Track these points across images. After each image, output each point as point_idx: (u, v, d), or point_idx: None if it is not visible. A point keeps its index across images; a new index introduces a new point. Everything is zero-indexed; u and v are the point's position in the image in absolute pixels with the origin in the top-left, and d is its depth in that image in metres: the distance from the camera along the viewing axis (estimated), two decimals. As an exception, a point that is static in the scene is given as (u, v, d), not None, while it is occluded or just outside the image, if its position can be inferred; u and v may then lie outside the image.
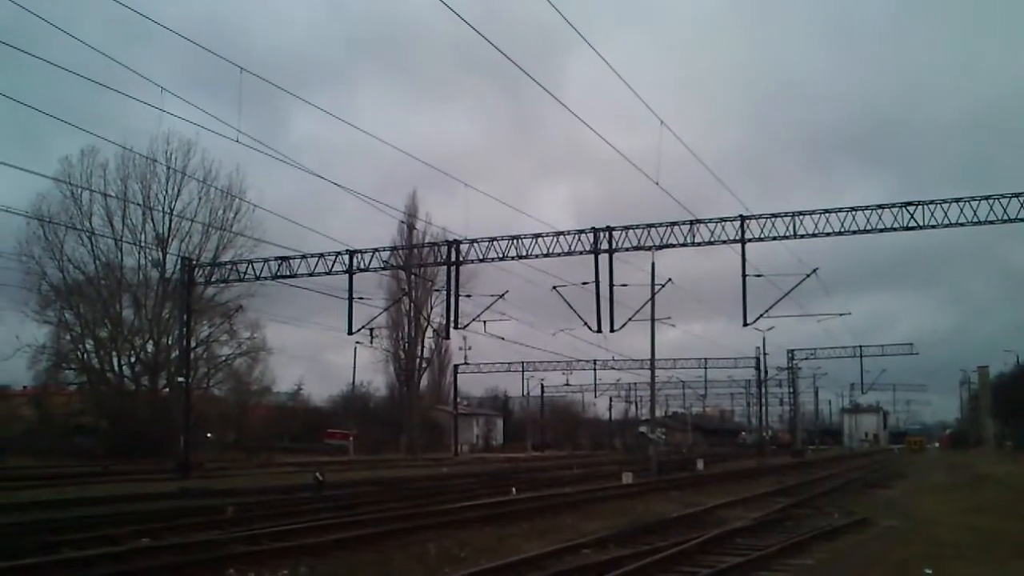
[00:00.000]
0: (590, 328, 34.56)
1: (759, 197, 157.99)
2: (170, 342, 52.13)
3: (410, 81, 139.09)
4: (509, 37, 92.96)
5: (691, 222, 33.04)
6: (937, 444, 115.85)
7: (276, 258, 38.05)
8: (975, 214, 29.86)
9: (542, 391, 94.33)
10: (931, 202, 30.56)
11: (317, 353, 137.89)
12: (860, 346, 75.34)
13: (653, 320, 39.88)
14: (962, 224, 30.10)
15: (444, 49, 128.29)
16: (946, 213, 30.26)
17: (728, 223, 32.73)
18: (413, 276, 60.07)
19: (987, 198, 29.71)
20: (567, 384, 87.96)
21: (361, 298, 38.08)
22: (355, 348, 61.94)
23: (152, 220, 53.87)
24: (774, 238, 32.32)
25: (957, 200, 30.15)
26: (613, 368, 76.06)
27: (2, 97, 21.76)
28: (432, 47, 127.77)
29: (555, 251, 34.12)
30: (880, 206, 31.19)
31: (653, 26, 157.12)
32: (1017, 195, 29.38)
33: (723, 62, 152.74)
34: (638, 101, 22.78)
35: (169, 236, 54.23)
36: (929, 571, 12.40)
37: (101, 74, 30.21)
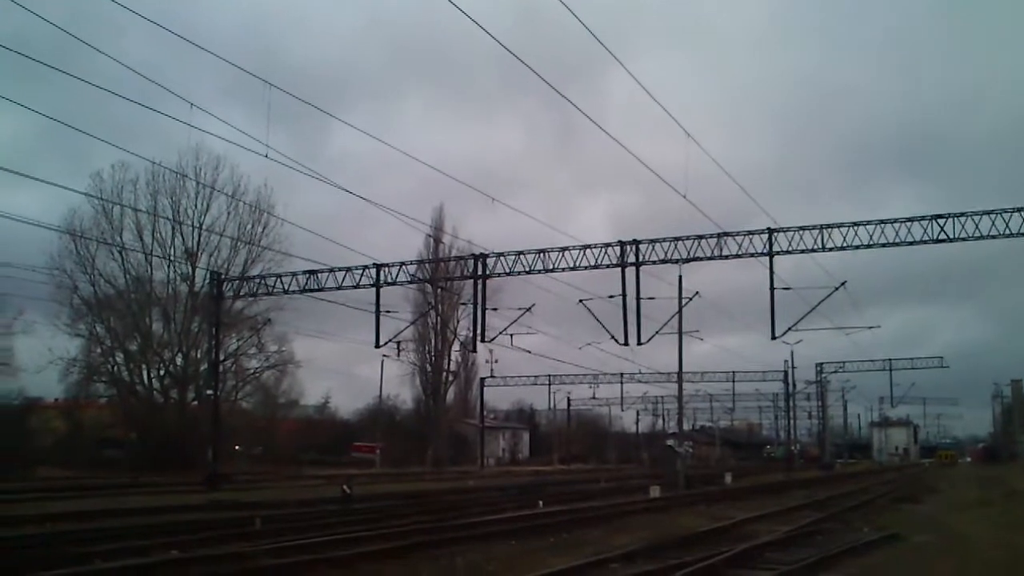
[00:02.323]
0: (617, 341, 34.45)
1: (794, 209, 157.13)
2: (199, 355, 52.64)
3: (455, 93, 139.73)
4: (553, 47, 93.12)
5: (719, 235, 32.93)
6: (969, 459, 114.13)
7: (304, 272, 38.29)
8: (1007, 227, 29.53)
9: (568, 404, 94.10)
10: (962, 215, 30.26)
11: (344, 366, 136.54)
12: (890, 359, 74.96)
13: (681, 333, 39.72)
14: (994, 237, 29.75)
15: (489, 61, 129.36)
16: (977, 226, 29.95)
17: (756, 236, 32.60)
18: (440, 290, 60.25)
19: (1019, 210, 29.34)
20: (594, 397, 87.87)
21: (388, 311, 38.23)
22: (382, 361, 62.05)
23: (181, 234, 54.60)
24: (802, 251, 32.14)
25: (988, 213, 29.83)
26: (640, 381, 75.85)
27: (40, 114, 22.24)
28: (477, 59, 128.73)
29: (582, 264, 34.08)
30: (910, 219, 30.93)
31: (692, 39, 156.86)
32: (1050, 208, 29.08)
33: (761, 73, 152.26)
34: (676, 112, 22.71)
35: (198, 250, 54.93)
36: None
37: (136, 89, 30.56)
